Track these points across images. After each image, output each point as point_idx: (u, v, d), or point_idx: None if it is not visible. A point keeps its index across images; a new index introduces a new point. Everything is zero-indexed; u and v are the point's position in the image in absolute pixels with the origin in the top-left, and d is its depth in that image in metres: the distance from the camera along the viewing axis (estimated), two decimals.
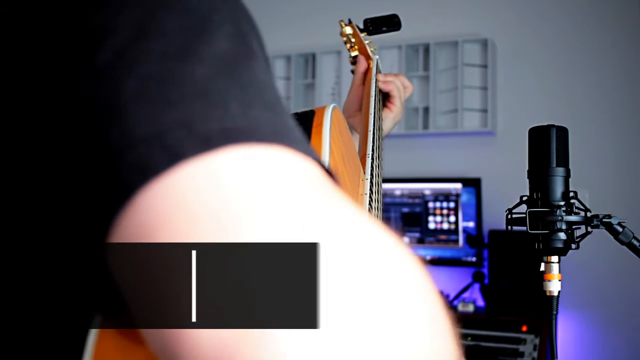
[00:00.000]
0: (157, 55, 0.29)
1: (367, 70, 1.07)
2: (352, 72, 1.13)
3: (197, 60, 0.29)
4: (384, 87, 1.04)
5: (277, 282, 0.24)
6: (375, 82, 1.01)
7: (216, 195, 0.26)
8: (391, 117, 1.07)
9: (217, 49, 0.30)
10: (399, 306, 0.26)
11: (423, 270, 0.28)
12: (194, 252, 0.25)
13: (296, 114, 0.56)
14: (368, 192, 0.72)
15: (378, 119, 0.94)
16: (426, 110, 2.92)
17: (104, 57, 0.29)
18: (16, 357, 0.33)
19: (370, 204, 0.71)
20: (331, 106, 0.57)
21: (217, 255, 0.24)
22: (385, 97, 1.07)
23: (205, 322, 0.24)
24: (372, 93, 0.97)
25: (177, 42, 0.29)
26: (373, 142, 0.84)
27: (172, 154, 0.26)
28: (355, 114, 1.06)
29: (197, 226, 0.25)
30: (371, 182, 0.76)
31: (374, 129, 0.87)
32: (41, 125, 0.30)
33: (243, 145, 0.27)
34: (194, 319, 0.24)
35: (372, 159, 0.81)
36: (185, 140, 0.27)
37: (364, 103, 1.00)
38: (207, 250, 0.25)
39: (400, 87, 1.07)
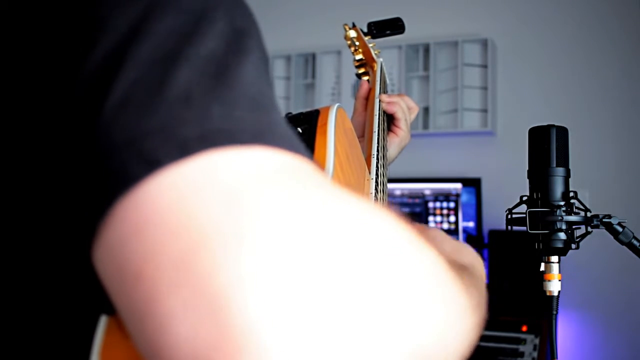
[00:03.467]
0: (144, 59, 0.29)
1: (369, 94, 1.02)
2: (357, 75, 1.12)
3: (183, 63, 0.29)
4: (388, 109, 0.98)
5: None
6: (380, 85, 1.00)
7: (186, 205, 0.25)
8: (397, 142, 1.00)
9: (205, 50, 0.30)
10: (406, 290, 0.26)
11: (428, 247, 0.28)
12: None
13: (301, 114, 0.56)
14: (373, 192, 0.72)
15: (383, 121, 0.94)
16: (426, 110, 2.92)
17: (94, 59, 0.29)
18: (24, 355, 0.33)
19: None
20: (335, 106, 0.57)
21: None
22: (389, 120, 1.01)
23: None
24: (377, 95, 0.96)
25: (166, 45, 0.29)
26: (378, 142, 0.84)
27: (148, 161, 0.26)
28: (359, 140, 1.03)
29: (167, 238, 0.25)
30: (376, 181, 0.76)
31: (378, 130, 0.87)
32: (33, 127, 0.30)
33: (222, 149, 0.27)
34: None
35: (377, 159, 0.81)
36: (162, 146, 0.26)
37: (369, 105, 0.99)
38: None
39: (405, 109, 1.01)
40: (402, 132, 1.00)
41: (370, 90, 1.03)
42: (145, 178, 0.26)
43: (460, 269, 0.45)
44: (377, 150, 0.82)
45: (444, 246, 0.55)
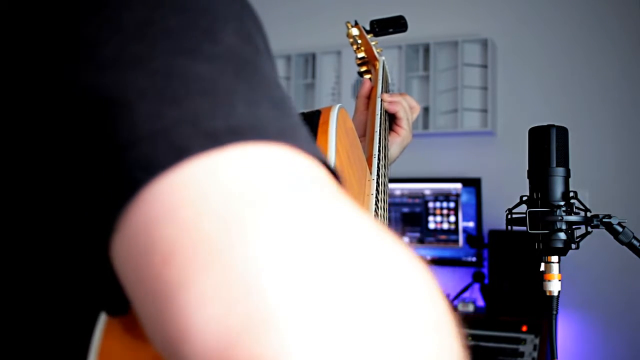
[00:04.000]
0: (164, 51, 0.29)
1: (371, 92, 1.03)
2: (359, 73, 1.12)
3: (204, 58, 0.29)
4: (390, 108, 0.97)
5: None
6: (382, 84, 1.00)
7: (221, 192, 0.26)
8: (399, 142, 1.00)
9: (224, 47, 0.30)
10: (402, 308, 0.26)
11: (426, 272, 0.29)
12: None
13: (302, 114, 0.56)
14: (374, 192, 0.72)
15: (385, 121, 0.94)
16: (426, 110, 2.92)
17: (107, 53, 0.29)
18: (22, 355, 0.33)
19: (376, 204, 0.71)
20: (337, 106, 0.57)
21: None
22: (391, 120, 1.00)
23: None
24: (378, 93, 0.96)
25: (185, 39, 0.30)
26: (379, 142, 0.84)
27: (177, 150, 0.26)
28: (360, 140, 1.02)
29: (201, 221, 0.25)
30: (377, 182, 0.76)
31: (380, 130, 0.87)
32: (45, 123, 0.30)
33: (249, 143, 0.27)
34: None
35: (379, 159, 0.80)
36: (191, 136, 0.27)
37: (370, 104, 0.99)
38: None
39: (407, 108, 1.00)
40: (404, 132, 1.00)
41: (372, 88, 1.02)
42: (177, 164, 0.26)
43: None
44: (379, 151, 0.82)
45: None
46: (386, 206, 0.83)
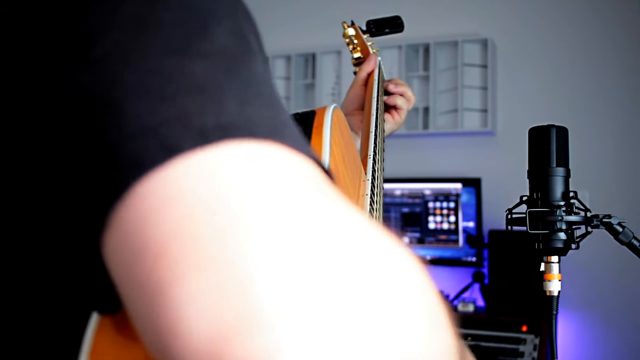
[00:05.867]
0: (156, 49, 0.29)
1: (368, 80, 1.06)
2: (355, 74, 1.13)
3: (196, 56, 0.29)
4: (391, 101, 1.05)
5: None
6: (378, 83, 1.01)
7: (211, 189, 0.26)
8: (388, 128, 1.06)
9: (216, 45, 0.30)
10: (396, 304, 0.26)
11: (421, 269, 0.29)
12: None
13: (297, 114, 0.56)
14: (369, 192, 0.72)
15: (381, 122, 0.94)
16: (426, 110, 2.92)
17: (98, 51, 0.29)
18: (13, 354, 0.33)
19: (371, 204, 0.71)
20: (332, 107, 0.57)
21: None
22: (390, 105, 1.07)
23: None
24: (374, 94, 0.96)
25: (177, 37, 0.30)
26: (375, 143, 0.84)
27: (168, 148, 0.26)
28: (354, 113, 1.05)
29: (191, 219, 0.25)
30: (372, 183, 0.75)
31: (376, 131, 0.87)
32: (38, 121, 0.30)
33: (239, 141, 0.27)
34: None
35: (374, 160, 0.80)
36: (182, 134, 0.27)
37: (366, 103, 0.99)
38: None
39: (411, 99, 1.08)
40: (399, 120, 1.07)
41: (370, 78, 1.05)
42: (167, 162, 0.26)
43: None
44: (375, 152, 0.82)
45: None
46: (381, 207, 0.83)
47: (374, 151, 0.82)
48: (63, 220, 0.30)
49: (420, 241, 2.83)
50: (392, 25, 1.16)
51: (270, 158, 0.27)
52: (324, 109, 0.56)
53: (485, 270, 2.68)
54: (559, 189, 0.84)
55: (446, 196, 2.80)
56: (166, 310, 0.24)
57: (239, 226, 0.25)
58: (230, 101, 0.28)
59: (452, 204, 2.79)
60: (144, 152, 0.26)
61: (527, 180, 0.87)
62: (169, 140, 0.27)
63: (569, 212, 0.83)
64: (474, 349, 2.38)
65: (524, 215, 0.84)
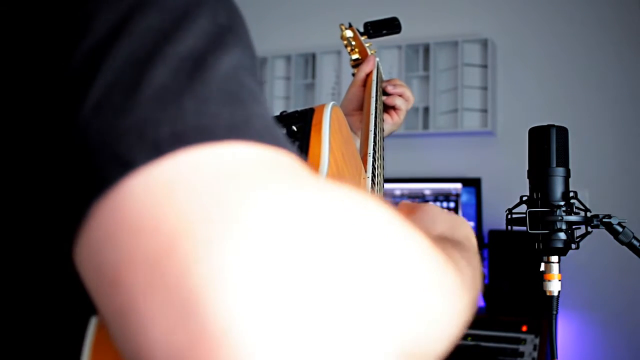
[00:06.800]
0: (122, 60, 0.28)
1: (367, 80, 1.06)
2: (353, 75, 1.13)
3: (159, 63, 0.28)
4: (390, 101, 1.05)
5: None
6: (377, 83, 1.01)
7: (157, 207, 0.25)
8: (388, 129, 1.06)
9: (184, 48, 0.29)
10: (392, 282, 0.26)
11: (417, 234, 0.28)
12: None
13: (296, 112, 0.56)
14: (369, 190, 0.72)
15: (380, 121, 0.94)
16: (426, 110, 2.92)
17: (77, 58, 0.28)
18: (13, 358, 0.33)
19: None
20: (330, 104, 0.57)
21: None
22: (389, 105, 1.07)
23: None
24: (373, 94, 0.96)
25: (145, 44, 0.29)
26: (375, 142, 0.84)
27: (122, 163, 0.26)
28: (353, 113, 1.05)
29: (137, 241, 0.25)
30: (373, 181, 0.75)
31: (375, 130, 0.87)
32: (15, 126, 0.29)
33: (194, 147, 0.26)
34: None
35: (374, 158, 0.81)
36: (135, 148, 0.26)
37: (365, 103, 0.99)
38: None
39: (409, 99, 1.08)
40: (398, 121, 1.07)
41: (369, 79, 1.05)
42: (120, 180, 0.25)
43: (454, 246, 0.45)
44: (374, 150, 0.82)
45: (437, 224, 0.55)
46: None
47: (374, 149, 0.82)
48: (50, 227, 0.30)
49: None
50: (390, 26, 1.17)
51: (229, 159, 0.27)
52: (322, 106, 0.56)
53: (485, 270, 2.68)
54: (559, 189, 0.84)
55: (446, 196, 2.80)
56: (127, 331, 0.25)
57: (183, 242, 0.24)
58: (188, 103, 0.28)
59: (452, 204, 2.79)
60: (102, 169, 0.26)
61: (527, 180, 0.87)
62: (123, 156, 0.26)
63: (569, 212, 0.83)
64: (474, 349, 2.38)
65: (524, 215, 0.84)
